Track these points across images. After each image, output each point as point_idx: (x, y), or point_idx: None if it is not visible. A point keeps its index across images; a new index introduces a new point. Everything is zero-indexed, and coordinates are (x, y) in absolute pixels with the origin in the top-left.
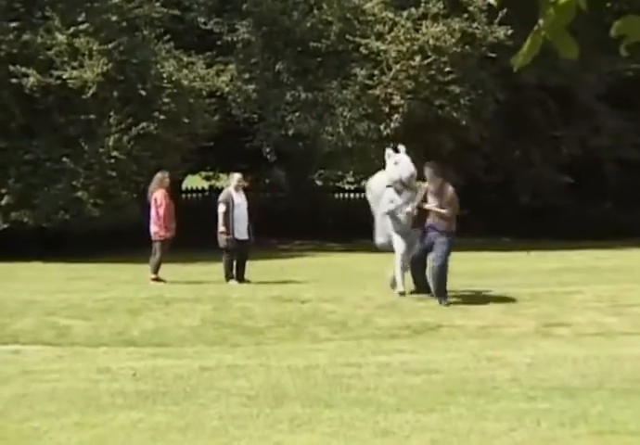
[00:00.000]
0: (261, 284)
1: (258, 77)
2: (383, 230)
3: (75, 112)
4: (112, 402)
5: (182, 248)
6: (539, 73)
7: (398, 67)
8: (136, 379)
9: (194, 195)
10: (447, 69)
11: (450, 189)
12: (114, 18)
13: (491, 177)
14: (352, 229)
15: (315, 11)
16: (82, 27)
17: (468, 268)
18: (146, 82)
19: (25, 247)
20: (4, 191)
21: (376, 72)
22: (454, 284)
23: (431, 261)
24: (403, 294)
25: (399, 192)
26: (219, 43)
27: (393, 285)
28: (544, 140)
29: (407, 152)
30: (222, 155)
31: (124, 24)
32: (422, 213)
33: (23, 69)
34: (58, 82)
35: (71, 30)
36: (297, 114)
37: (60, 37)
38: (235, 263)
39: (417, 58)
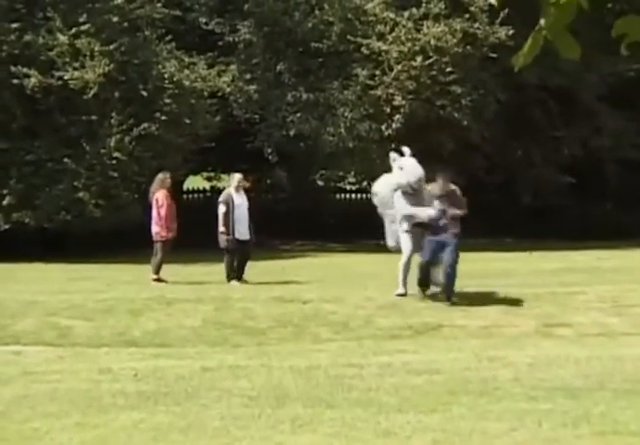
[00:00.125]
0: (262, 284)
1: (259, 77)
2: (394, 233)
3: (77, 113)
4: (114, 403)
5: (183, 249)
6: (540, 74)
7: (399, 67)
8: (138, 380)
9: (195, 195)
10: (448, 69)
11: (459, 192)
12: (115, 18)
13: (492, 177)
14: (354, 229)
15: (317, 12)
16: (83, 28)
17: (470, 268)
18: (147, 82)
19: (26, 248)
20: (5, 192)
21: (377, 73)
22: (455, 284)
23: (445, 262)
24: (402, 295)
25: (408, 195)
26: (220, 43)
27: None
28: (545, 140)
29: (413, 154)
30: (223, 155)
31: (126, 25)
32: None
33: (25, 70)
34: (60, 82)
35: (73, 30)
36: (298, 115)
37: (62, 38)
38: (235, 264)
39: (419, 59)
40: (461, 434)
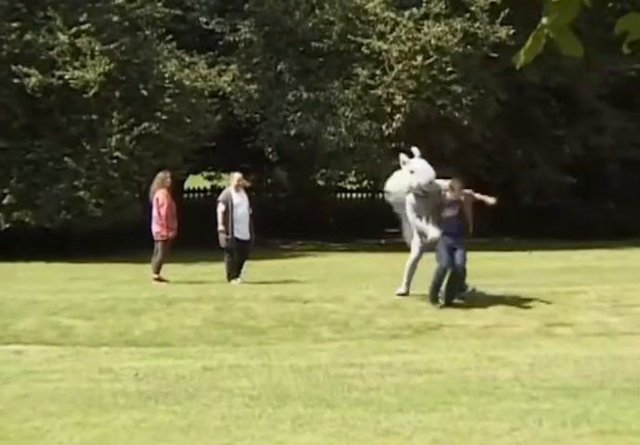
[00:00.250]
0: (263, 284)
1: (260, 77)
2: (410, 231)
3: (77, 112)
4: (114, 402)
5: (184, 248)
6: (541, 73)
7: (400, 67)
8: (138, 379)
9: (196, 195)
10: (449, 68)
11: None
12: (116, 18)
13: (493, 177)
14: (354, 229)
15: (317, 11)
16: (84, 27)
17: (471, 268)
18: (148, 82)
19: (27, 247)
20: (6, 191)
21: (377, 72)
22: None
23: (456, 265)
24: (403, 295)
25: (420, 198)
26: (221, 43)
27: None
28: (546, 140)
29: (422, 155)
30: (224, 155)
31: (126, 24)
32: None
33: (25, 70)
34: (60, 82)
35: (73, 30)
36: (299, 114)
37: (62, 37)
38: None
39: (419, 58)
40: (461, 433)
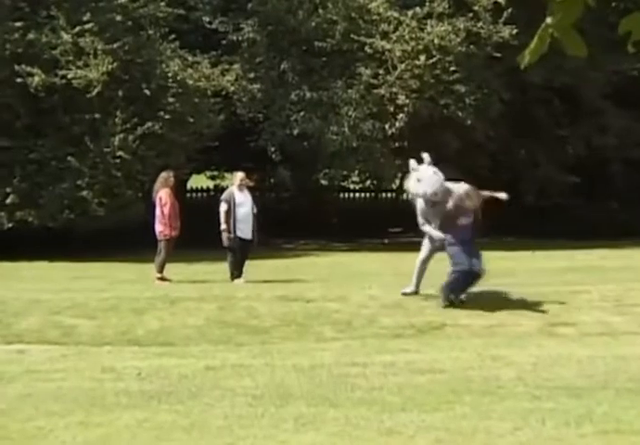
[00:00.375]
0: (266, 283)
1: (263, 76)
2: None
3: (80, 112)
4: (117, 402)
5: (187, 248)
6: (544, 73)
7: (403, 66)
8: (141, 378)
9: (199, 194)
10: (452, 68)
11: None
12: (119, 17)
13: (496, 177)
14: (357, 228)
15: (320, 10)
16: (87, 26)
17: None
18: (150, 81)
19: (30, 247)
20: (9, 190)
21: (381, 72)
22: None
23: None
24: (408, 294)
25: (428, 204)
26: (224, 42)
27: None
28: (549, 139)
29: (432, 162)
30: (227, 154)
31: (129, 24)
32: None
33: (28, 69)
34: (63, 81)
35: (76, 29)
36: (302, 113)
37: (65, 36)
38: None
39: (422, 58)
40: (464, 433)
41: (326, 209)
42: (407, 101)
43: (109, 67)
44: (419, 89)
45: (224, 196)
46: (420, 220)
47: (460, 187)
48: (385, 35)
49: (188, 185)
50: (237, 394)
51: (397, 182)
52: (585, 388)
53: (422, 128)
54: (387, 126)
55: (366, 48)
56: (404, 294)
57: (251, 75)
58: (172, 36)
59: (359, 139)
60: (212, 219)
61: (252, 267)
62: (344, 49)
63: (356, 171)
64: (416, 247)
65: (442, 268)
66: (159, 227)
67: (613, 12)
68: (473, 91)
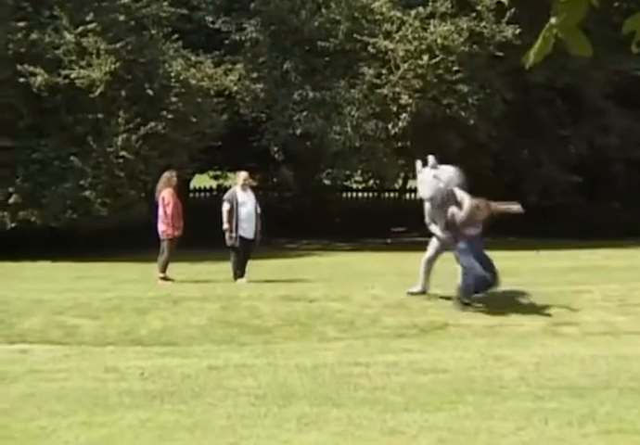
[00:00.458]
0: (269, 283)
1: (266, 76)
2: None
3: (83, 111)
4: (120, 402)
5: (190, 248)
6: (547, 72)
7: (406, 66)
8: (144, 378)
9: (202, 194)
10: (455, 68)
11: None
12: (122, 17)
13: (499, 176)
14: (360, 228)
15: (323, 10)
16: (90, 26)
17: None
18: (153, 81)
19: (33, 247)
20: (12, 190)
21: (383, 71)
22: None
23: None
24: (415, 294)
25: (432, 206)
26: (227, 42)
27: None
28: (552, 139)
29: (434, 166)
30: (229, 154)
31: (132, 23)
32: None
33: (31, 69)
34: (66, 81)
35: (79, 29)
36: (305, 113)
37: (68, 36)
38: None
39: (425, 57)
40: (467, 433)
41: (328, 209)
42: (410, 101)
43: (112, 67)
44: (422, 89)
45: (226, 195)
46: (427, 219)
47: (463, 193)
48: (388, 35)
49: (191, 185)
50: (240, 394)
51: (400, 181)
52: (588, 388)
53: (425, 128)
54: (390, 126)
55: (369, 48)
56: (411, 293)
57: (254, 75)
58: (175, 36)
59: (362, 139)
60: (215, 219)
61: (255, 267)
62: (347, 49)
63: (359, 171)
64: (418, 246)
65: (448, 268)
66: (161, 227)
67: (616, 12)
68: (476, 91)
